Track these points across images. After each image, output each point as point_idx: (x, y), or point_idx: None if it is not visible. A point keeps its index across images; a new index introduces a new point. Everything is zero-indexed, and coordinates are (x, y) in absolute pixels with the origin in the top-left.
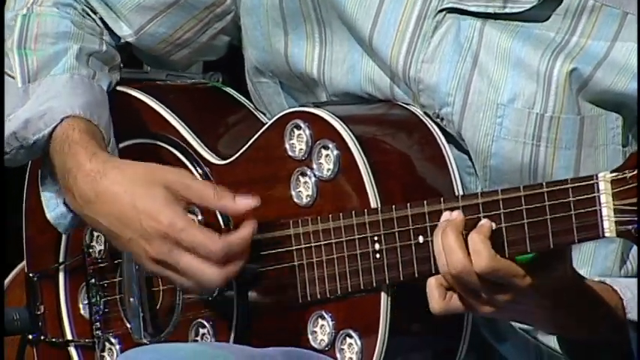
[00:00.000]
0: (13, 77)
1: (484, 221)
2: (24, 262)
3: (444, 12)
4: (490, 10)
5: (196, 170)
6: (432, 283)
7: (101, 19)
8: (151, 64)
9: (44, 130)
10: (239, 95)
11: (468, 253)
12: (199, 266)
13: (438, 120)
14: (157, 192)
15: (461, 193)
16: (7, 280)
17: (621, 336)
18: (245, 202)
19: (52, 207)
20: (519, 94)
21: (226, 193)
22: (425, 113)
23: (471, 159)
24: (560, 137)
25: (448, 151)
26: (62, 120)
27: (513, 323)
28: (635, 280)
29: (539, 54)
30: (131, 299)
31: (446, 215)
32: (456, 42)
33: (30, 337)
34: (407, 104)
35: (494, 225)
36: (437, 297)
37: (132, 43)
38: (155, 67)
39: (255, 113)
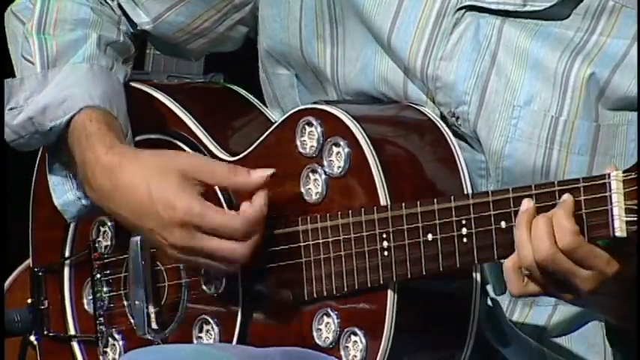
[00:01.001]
0: (31, 62)
1: (566, 196)
2: (24, 264)
3: (464, 10)
4: (510, 8)
5: None
6: (508, 266)
7: (119, 5)
8: (166, 52)
9: (62, 118)
10: (249, 95)
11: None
12: (226, 246)
13: (453, 119)
14: (171, 180)
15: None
16: (7, 282)
17: None
18: (260, 174)
19: (60, 194)
20: (536, 96)
21: (240, 168)
22: (440, 113)
23: (482, 161)
24: (574, 142)
25: (459, 152)
26: (81, 109)
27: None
28: None
29: (557, 55)
30: (136, 295)
31: (525, 204)
32: (474, 40)
33: (32, 338)
34: (419, 105)
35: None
36: (515, 280)
37: (148, 31)
38: (169, 54)
39: (265, 113)
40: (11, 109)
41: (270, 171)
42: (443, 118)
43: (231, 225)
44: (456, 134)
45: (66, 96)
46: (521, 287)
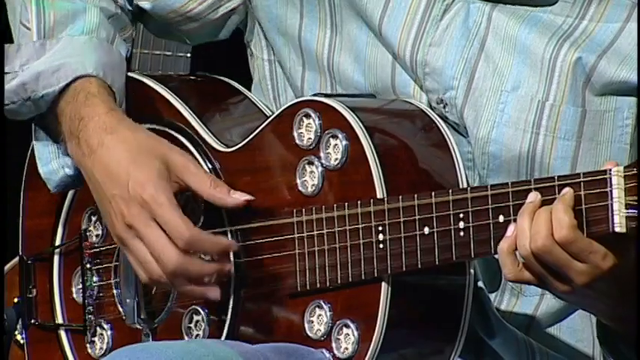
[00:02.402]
0: (28, 28)
1: (566, 189)
2: (11, 263)
3: None
4: None
5: (201, 157)
6: (503, 248)
7: None
8: (158, 33)
9: (55, 86)
10: (244, 88)
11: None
12: (163, 242)
13: (441, 106)
14: (154, 163)
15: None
16: None
17: None
18: (238, 197)
19: (45, 161)
20: (523, 81)
21: (222, 185)
22: (428, 104)
23: (469, 152)
24: (560, 127)
25: (454, 145)
26: (75, 79)
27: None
28: None
29: (544, 41)
30: (126, 284)
31: (531, 197)
32: (464, 26)
33: (19, 337)
34: (415, 100)
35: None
36: (510, 264)
37: (146, 9)
38: (163, 37)
39: (260, 106)
40: (6, 74)
41: (249, 197)
42: (431, 108)
43: (179, 229)
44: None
45: (61, 64)
46: (516, 271)
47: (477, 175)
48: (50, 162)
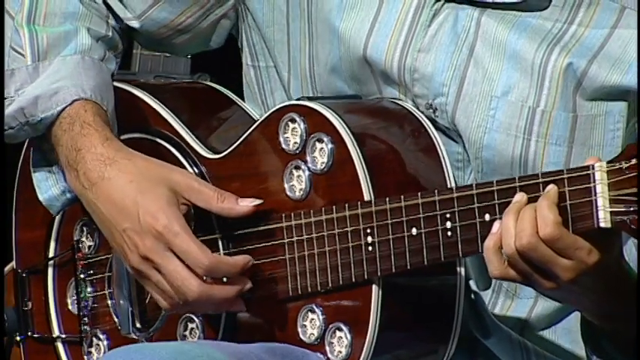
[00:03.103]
0: (21, 54)
1: (550, 187)
2: (9, 266)
3: (443, 1)
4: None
5: (189, 165)
6: (489, 246)
7: (104, 2)
8: (152, 48)
9: (54, 109)
10: (231, 93)
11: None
12: (183, 273)
13: (430, 111)
14: (161, 190)
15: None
16: None
17: None
18: (247, 204)
19: (45, 189)
20: (513, 87)
21: (229, 195)
22: (416, 105)
23: (459, 153)
24: (551, 133)
25: (441, 146)
26: (73, 101)
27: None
28: None
29: (534, 46)
30: (120, 294)
31: (517, 197)
32: (452, 31)
33: (18, 338)
34: (400, 100)
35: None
36: (496, 261)
37: (136, 28)
38: (156, 50)
39: (247, 111)
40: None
41: (257, 201)
42: (419, 111)
43: (197, 256)
44: (435, 126)
45: (58, 87)
46: (502, 269)
47: (470, 178)
48: (50, 189)
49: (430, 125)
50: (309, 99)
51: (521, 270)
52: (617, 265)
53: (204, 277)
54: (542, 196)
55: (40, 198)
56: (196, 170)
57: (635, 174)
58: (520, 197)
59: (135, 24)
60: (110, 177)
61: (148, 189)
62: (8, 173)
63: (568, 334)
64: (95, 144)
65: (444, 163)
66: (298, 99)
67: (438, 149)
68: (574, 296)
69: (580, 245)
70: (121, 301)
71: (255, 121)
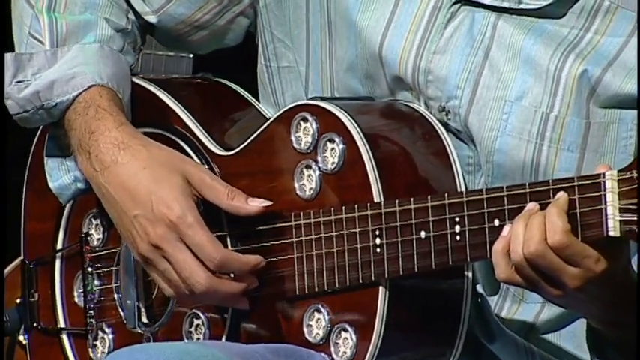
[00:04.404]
0: (40, 41)
1: (560, 194)
2: (13, 264)
3: (459, 4)
4: (505, 5)
5: (201, 161)
6: (497, 249)
7: None
8: (170, 45)
9: (69, 94)
10: (244, 91)
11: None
12: (192, 264)
13: (443, 114)
14: (175, 180)
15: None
16: None
17: None
18: (257, 204)
19: (56, 177)
20: (527, 91)
21: (239, 194)
22: (428, 108)
23: (470, 157)
24: (564, 139)
25: (452, 149)
26: (89, 87)
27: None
28: None
29: (549, 52)
30: (127, 288)
31: (530, 206)
32: (468, 35)
33: (21, 337)
34: (413, 103)
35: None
36: (504, 265)
37: (153, 23)
38: (175, 48)
39: (260, 109)
40: (19, 81)
41: (267, 203)
42: (431, 114)
43: (209, 250)
44: (446, 129)
45: (75, 73)
46: (509, 272)
47: (481, 182)
48: (61, 177)
49: (442, 128)
50: (322, 99)
51: (527, 276)
52: (624, 273)
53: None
54: (551, 203)
55: (51, 186)
56: (207, 167)
57: None
58: (532, 206)
59: (152, 19)
60: (124, 162)
61: (162, 177)
62: (8, 173)
63: (573, 338)
64: (110, 127)
65: (454, 167)
66: (311, 98)
67: (449, 152)
68: (580, 303)
69: (588, 254)
70: (128, 296)
71: (267, 119)
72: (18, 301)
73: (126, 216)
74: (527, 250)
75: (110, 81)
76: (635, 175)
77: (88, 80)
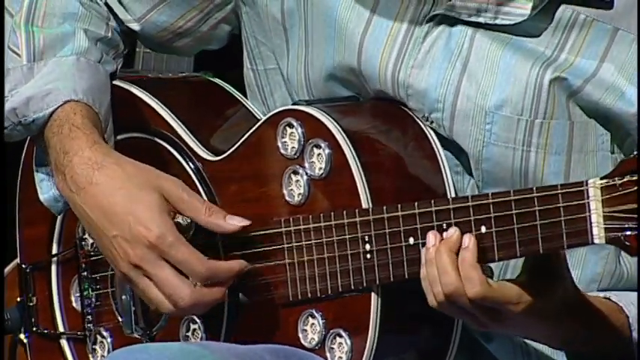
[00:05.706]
0: (18, 54)
1: (467, 239)
2: (12, 263)
3: (436, 18)
4: (481, 20)
5: (189, 166)
6: (422, 277)
7: (106, 3)
8: (155, 49)
9: (45, 110)
10: (232, 89)
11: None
12: (174, 281)
13: (428, 123)
14: (152, 197)
15: (452, 194)
16: None
17: (628, 352)
18: (235, 223)
19: (46, 189)
20: (507, 100)
21: (218, 210)
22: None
23: (458, 158)
24: (551, 142)
25: (440, 151)
26: (64, 103)
27: None
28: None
29: (529, 64)
30: (123, 293)
31: (446, 234)
32: (446, 48)
33: (22, 336)
34: (400, 104)
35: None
36: (431, 296)
37: (136, 30)
38: (159, 52)
39: (249, 108)
40: None
41: (246, 222)
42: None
43: (194, 265)
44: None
45: (50, 89)
46: (435, 303)
47: (471, 185)
48: (51, 189)
49: (430, 130)
50: (307, 102)
51: (454, 313)
52: (565, 301)
53: (196, 284)
54: (462, 249)
55: (41, 198)
56: (194, 171)
57: (629, 190)
58: (453, 232)
59: (135, 27)
60: (98, 182)
61: (138, 197)
62: (8, 173)
63: None
64: (83, 147)
65: (443, 169)
66: (295, 103)
67: (437, 153)
68: (528, 331)
69: (507, 299)
70: (124, 301)
71: (256, 121)
72: (18, 299)
73: (105, 236)
74: (447, 291)
75: (85, 95)
76: (617, 182)
77: (62, 96)
